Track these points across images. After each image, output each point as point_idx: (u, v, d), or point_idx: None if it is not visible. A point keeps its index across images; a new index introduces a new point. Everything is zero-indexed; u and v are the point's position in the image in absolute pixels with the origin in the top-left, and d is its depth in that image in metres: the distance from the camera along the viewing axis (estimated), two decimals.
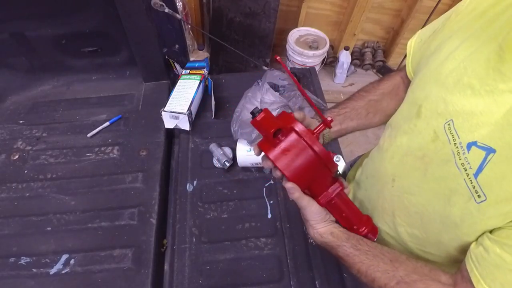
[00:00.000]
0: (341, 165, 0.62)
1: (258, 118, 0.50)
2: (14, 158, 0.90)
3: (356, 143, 1.99)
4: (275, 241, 0.78)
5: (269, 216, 0.81)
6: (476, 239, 0.46)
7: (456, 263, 0.52)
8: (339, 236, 0.54)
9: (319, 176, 0.53)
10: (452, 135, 0.46)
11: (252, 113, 0.51)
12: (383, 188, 0.61)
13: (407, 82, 0.67)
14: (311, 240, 0.77)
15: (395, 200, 0.58)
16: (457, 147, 0.45)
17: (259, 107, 0.51)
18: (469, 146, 0.44)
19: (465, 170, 0.44)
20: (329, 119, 0.54)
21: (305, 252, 0.76)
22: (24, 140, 0.95)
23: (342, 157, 0.62)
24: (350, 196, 0.80)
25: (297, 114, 0.55)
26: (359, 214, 0.58)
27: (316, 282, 0.72)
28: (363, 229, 0.57)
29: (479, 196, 0.42)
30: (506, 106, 0.41)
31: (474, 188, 0.43)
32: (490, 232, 0.43)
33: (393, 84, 0.71)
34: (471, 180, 0.43)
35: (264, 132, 0.51)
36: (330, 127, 0.54)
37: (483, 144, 0.42)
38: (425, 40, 0.62)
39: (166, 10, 0.91)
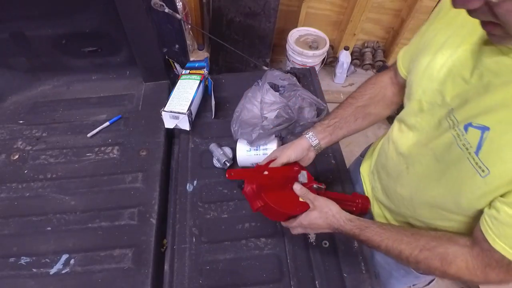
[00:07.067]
0: (302, 180, 0.71)
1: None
2: (14, 158, 0.90)
3: (356, 143, 1.99)
4: (275, 241, 0.78)
5: None
6: (489, 204, 0.50)
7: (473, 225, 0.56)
8: (364, 219, 0.63)
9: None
10: (452, 121, 0.52)
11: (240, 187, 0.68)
12: (399, 176, 0.66)
13: (396, 82, 0.74)
14: (312, 240, 0.77)
15: (413, 186, 0.63)
16: (456, 131, 0.50)
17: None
18: (465, 127, 0.49)
19: (467, 150, 0.49)
20: (322, 186, 0.70)
21: (305, 252, 0.76)
22: (24, 140, 0.95)
23: (307, 173, 0.72)
24: (369, 188, 0.84)
25: (298, 189, 0.68)
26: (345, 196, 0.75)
27: (316, 282, 0.72)
28: (358, 201, 0.74)
29: (483, 171, 0.47)
30: (495, 89, 0.46)
31: (477, 164, 0.47)
32: (502, 196, 0.47)
33: (380, 87, 0.76)
34: (473, 158, 0.48)
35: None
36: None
37: (478, 124, 0.47)
38: (412, 42, 0.67)
39: (166, 10, 0.91)
